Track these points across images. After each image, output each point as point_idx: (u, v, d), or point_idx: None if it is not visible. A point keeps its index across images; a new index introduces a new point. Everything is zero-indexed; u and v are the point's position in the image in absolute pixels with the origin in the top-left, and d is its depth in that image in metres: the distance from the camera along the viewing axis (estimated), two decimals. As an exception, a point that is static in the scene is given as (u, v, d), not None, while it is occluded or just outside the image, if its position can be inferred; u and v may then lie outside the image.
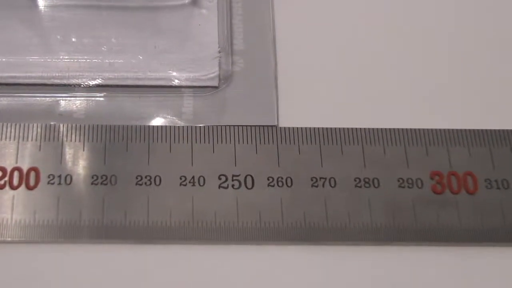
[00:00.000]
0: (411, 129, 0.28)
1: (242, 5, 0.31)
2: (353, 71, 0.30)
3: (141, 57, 0.29)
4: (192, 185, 0.27)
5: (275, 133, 0.28)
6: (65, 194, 0.26)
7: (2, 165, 0.27)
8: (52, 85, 0.29)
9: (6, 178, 0.26)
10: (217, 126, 0.28)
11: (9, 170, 0.27)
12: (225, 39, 0.30)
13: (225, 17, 0.30)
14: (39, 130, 0.28)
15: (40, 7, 0.30)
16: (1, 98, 0.29)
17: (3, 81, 0.29)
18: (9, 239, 0.26)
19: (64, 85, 0.29)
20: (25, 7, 0.30)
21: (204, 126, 0.28)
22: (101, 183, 0.27)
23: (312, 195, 0.27)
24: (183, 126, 0.28)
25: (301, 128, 0.28)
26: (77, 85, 0.29)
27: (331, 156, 0.28)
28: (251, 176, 0.27)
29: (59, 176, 0.27)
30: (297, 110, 0.29)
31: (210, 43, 0.30)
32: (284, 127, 0.28)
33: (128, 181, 0.27)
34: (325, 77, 0.29)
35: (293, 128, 0.28)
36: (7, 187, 0.26)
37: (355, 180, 0.27)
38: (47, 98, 0.29)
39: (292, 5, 0.31)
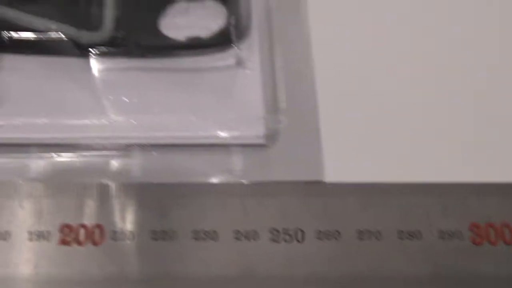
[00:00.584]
0: (450, 183, 0.29)
1: (284, 65, 0.32)
2: (394, 127, 0.31)
3: (190, 117, 0.31)
4: (247, 240, 0.28)
5: (322, 188, 0.29)
6: (128, 249, 0.28)
7: (69, 222, 0.28)
8: (107, 144, 0.30)
9: (74, 235, 0.28)
10: (266, 182, 0.29)
11: (75, 227, 0.28)
12: (269, 98, 0.31)
13: (268, 77, 0.32)
14: (99, 188, 0.29)
15: (93, 70, 0.32)
16: (60, 158, 0.30)
17: (61, 142, 0.30)
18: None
19: (119, 144, 0.30)
20: (80, 70, 0.31)
21: (254, 182, 0.29)
22: (161, 239, 0.28)
23: (359, 248, 0.28)
24: (234, 183, 0.29)
25: (346, 183, 0.29)
26: (131, 144, 0.30)
27: (376, 209, 0.29)
28: (301, 230, 0.28)
29: (122, 232, 0.28)
30: (342, 164, 0.30)
31: (256, 102, 0.31)
32: (330, 182, 0.29)
33: (185, 236, 0.28)
34: (367, 132, 0.31)
35: (338, 183, 0.29)
36: (74, 244, 0.28)
37: (398, 233, 0.29)
38: (104, 157, 0.30)
39: (333, 61, 0.32)
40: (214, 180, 0.29)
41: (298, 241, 0.28)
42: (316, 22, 0.33)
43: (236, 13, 0.32)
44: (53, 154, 0.30)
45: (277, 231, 0.28)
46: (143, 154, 0.30)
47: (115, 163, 0.30)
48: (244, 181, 0.29)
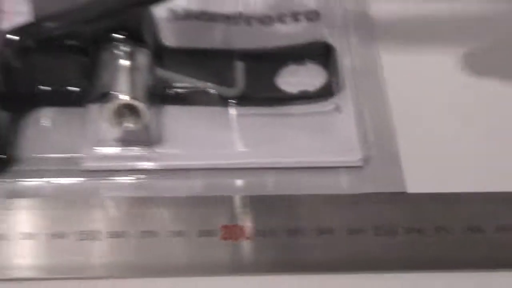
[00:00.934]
0: (503, 192, 0.37)
1: (370, 109, 0.40)
2: (458, 149, 0.38)
3: (305, 147, 0.38)
4: (357, 234, 0.36)
5: (405, 197, 0.37)
6: (271, 243, 0.35)
7: (226, 223, 0.36)
8: (243, 167, 0.38)
9: (231, 233, 0.35)
10: (364, 193, 0.37)
11: (231, 227, 0.36)
12: (361, 133, 0.39)
13: (359, 118, 0.39)
14: (245, 198, 0.36)
15: (230, 115, 0.39)
16: (213, 178, 0.37)
17: (210, 166, 0.38)
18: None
19: (253, 167, 0.38)
20: (221, 115, 0.39)
21: (355, 194, 0.37)
22: (293, 235, 0.35)
23: (436, 239, 0.36)
24: (341, 194, 0.37)
25: (424, 193, 0.37)
26: (262, 167, 0.38)
27: (448, 211, 0.36)
28: (395, 227, 0.36)
29: (266, 230, 0.35)
30: (419, 179, 0.37)
31: (352, 137, 0.38)
32: (411, 193, 0.37)
33: (311, 233, 0.35)
34: (436, 155, 0.38)
35: (417, 193, 0.37)
36: (230, 240, 0.35)
37: (465, 228, 0.36)
38: (242, 177, 0.37)
39: (404, 102, 0.40)
40: (327, 192, 0.37)
41: (392, 235, 0.36)
42: (390, 75, 0.41)
43: (334, 72, 0.40)
44: (208, 175, 0.38)
45: (378, 227, 0.36)
46: (273, 174, 0.38)
47: (253, 180, 0.37)
48: (348, 193, 0.37)
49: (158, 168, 0.37)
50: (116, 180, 0.37)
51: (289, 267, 0.35)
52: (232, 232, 0.36)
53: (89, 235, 0.35)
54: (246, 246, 0.35)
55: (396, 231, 0.36)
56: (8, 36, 0.36)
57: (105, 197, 0.37)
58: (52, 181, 0.37)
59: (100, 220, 0.36)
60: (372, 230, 0.36)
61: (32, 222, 0.36)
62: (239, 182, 0.38)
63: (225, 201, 0.37)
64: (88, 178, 0.37)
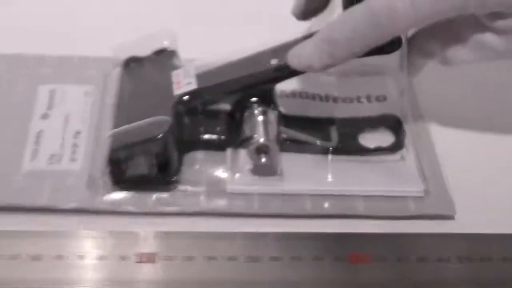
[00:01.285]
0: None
1: (426, 158, 0.53)
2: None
3: (381, 183, 0.51)
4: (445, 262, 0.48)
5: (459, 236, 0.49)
6: (384, 267, 0.47)
7: (352, 252, 0.47)
8: (338, 195, 0.51)
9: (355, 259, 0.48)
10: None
11: (354, 254, 0.48)
12: (421, 174, 0.52)
13: (419, 164, 0.53)
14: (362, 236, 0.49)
15: (328, 160, 0.52)
16: (312, 202, 0.50)
17: (312, 192, 0.51)
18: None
19: (345, 195, 0.51)
20: (322, 159, 0.52)
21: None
22: (399, 261, 0.47)
23: (487, 267, 0.47)
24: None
25: (474, 233, 0.49)
26: (348, 195, 0.51)
27: (496, 243, 0.48)
28: (461, 257, 0.48)
29: (379, 257, 0.47)
30: (466, 208, 0.50)
31: (415, 177, 0.52)
32: (463, 233, 0.49)
33: (410, 261, 0.48)
34: (482, 194, 0.51)
35: (470, 233, 0.49)
36: (356, 264, 0.47)
37: (503, 258, 0.48)
38: (336, 202, 0.51)
39: (447, 150, 0.53)
40: (398, 214, 0.50)
41: (462, 262, 0.47)
42: (438, 135, 0.55)
43: (399, 134, 0.54)
44: (311, 199, 0.50)
45: (460, 257, 0.47)
46: (358, 200, 0.51)
47: (343, 204, 0.50)
48: (413, 214, 0.50)
49: (280, 192, 0.51)
50: (250, 200, 0.50)
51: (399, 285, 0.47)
52: (358, 258, 0.48)
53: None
54: (365, 269, 0.47)
55: (461, 259, 0.48)
56: (182, 97, 0.51)
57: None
58: (204, 199, 0.50)
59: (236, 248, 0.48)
60: (456, 259, 0.48)
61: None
62: (333, 205, 0.50)
63: (352, 237, 0.48)
64: (230, 199, 0.50)
